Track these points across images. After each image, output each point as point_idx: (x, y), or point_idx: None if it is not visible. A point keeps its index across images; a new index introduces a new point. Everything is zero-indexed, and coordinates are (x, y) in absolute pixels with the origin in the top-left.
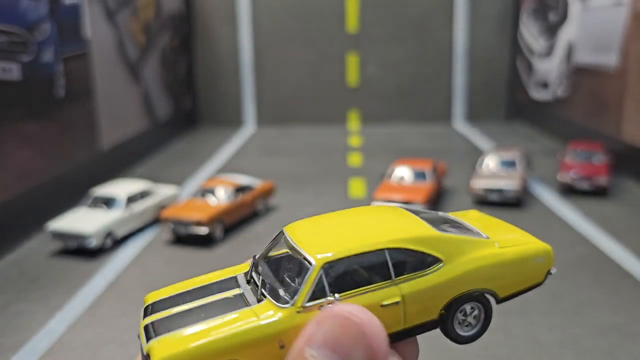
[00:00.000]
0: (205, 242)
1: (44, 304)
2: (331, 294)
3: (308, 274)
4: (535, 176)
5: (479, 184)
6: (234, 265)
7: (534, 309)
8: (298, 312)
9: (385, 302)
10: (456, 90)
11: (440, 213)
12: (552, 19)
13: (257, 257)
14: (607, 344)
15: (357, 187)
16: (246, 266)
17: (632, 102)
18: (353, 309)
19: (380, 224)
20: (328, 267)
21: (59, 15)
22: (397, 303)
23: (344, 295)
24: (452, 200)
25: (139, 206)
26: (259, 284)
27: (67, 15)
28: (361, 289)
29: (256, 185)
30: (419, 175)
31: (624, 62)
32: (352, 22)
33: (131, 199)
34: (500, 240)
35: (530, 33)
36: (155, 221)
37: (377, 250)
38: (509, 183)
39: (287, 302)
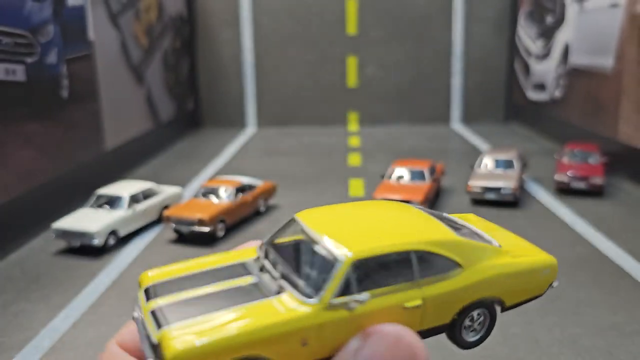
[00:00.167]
0: (207, 240)
1: (46, 302)
2: (358, 293)
3: (335, 269)
4: (530, 176)
5: (477, 183)
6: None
7: (533, 308)
8: (324, 309)
9: (407, 305)
10: (454, 92)
11: (447, 215)
12: (549, 21)
13: (265, 243)
14: (606, 343)
15: (356, 187)
16: (251, 252)
17: (628, 104)
18: (402, 330)
19: (402, 222)
20: (357, 264)
21: (63, 17)
22: (418, 306)
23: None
24: (450, 199)
25: (142, 206)
26: (276, 274)
27: (71, 17)
28: (385, 288)
29: (257, 185)
30: (418, 175)
31: (620, 63)
32: (351, 23)
33: (134, 199)
34: (511, 250)
35: (528, 35)
36: (158, 220)
37: (404, 250)
38: (506, 182)
39: (311, 297)
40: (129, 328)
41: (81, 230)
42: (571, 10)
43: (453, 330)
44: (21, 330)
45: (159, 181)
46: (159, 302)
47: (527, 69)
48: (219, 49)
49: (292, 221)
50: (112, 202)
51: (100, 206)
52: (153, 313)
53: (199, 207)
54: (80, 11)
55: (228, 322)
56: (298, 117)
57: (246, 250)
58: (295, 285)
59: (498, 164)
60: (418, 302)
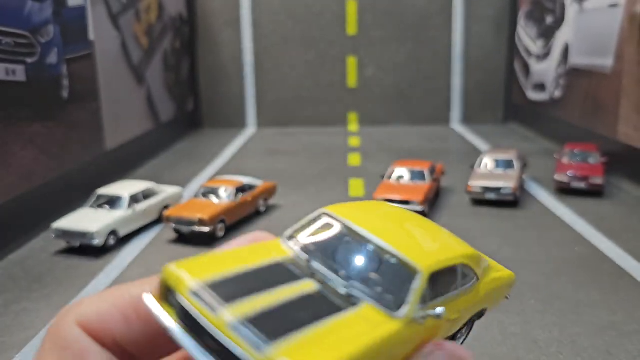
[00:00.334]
0: (207, 240)
1: (47, 302)
2: (432, 305)
3: (417, 281)
4: (530, 176)
5: (477, 183)
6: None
7: (531, 308)
8: (407, 324)
9: (451, 317)
10: (454, 92)
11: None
12: (549, 21)
13: (287, 238)
14: (604, 343)
15: (356, 187)
16: (274, 247)
17: (627, 103)
18: (463, 352)
19: (436, 234)
20: (432, 276)
21: (63, 17)
22: (456, 319)
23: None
24: (449, 199)
25: (142, 206)
26: (339, 282)
27: (72, 18)
28: (443, 301)
29: (258, 185)
30: (418, 175)
31: (619, 63)
32: (351, 24)
33: (134, 199)
34: (490, 262)
35: (528, 35)
36: (158, 220)
37: (457, 264)
38: (506, 182)
39: (395, 311)
40: (94, 305)
41: (81, 230)
42: (571, 10)
43: (452, 337)
44: (22, 330)
45: (159, 181)
46: (242, 311)
47: (527, 69)
48: (219, 49)
49: (323, 215)
50: (112, 202)
51: (100, 206)
52: (235, 325)
53: (199, 207)
54: (80, 11)
55: (340, 340)
56: (298, 117)
57: (266, 245)
58: (378, 300)
59: (498, 164)
60: (457, 314)
